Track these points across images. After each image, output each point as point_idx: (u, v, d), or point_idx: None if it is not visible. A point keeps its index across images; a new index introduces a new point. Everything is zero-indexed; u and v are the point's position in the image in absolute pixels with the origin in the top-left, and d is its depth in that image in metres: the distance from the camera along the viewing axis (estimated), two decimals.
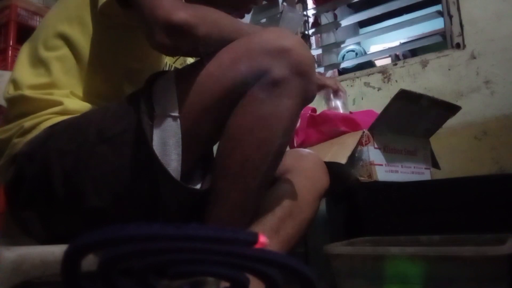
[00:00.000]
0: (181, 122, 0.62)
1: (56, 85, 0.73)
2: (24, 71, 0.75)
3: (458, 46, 1.52)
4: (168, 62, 0.93)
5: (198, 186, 0.66)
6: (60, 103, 0.71)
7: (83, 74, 0.74)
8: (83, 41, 0.74)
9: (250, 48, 0.63)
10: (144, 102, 0.63)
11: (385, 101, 1.01)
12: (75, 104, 0.72)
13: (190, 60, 0.95)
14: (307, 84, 0.63)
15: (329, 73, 2.17)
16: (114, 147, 0.63)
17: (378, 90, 1.66)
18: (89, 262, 0.26)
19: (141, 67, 0.79)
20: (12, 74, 0.76)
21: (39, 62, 0.74)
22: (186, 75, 0.65)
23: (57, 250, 0.42)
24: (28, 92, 0.71)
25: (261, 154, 0.62)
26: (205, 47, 0.64)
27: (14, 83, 0.74)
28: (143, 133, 0.60)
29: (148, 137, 0.61)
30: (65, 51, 0.74)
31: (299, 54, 0.62)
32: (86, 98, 0.74)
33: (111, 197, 0.63)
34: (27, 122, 0.69)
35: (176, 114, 0.62)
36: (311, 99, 0.66)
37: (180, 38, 0.61)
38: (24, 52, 0.78)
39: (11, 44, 2.05)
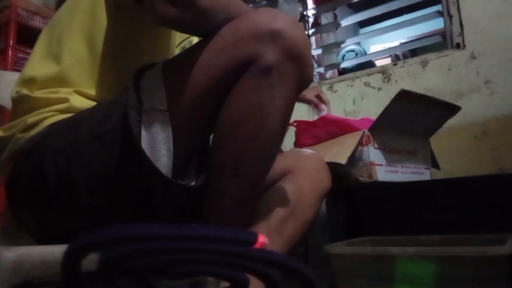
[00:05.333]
0: (170, 116, 0.60)
1: (65, 78, 0.72)
2: (35, 66, 0.75)
3: (458, 46, 1.52)
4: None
5: (194, 182, 0.64)
6: (65, 100, 0.70)
7: (94, 67, 0.74)
8: (96, 34, 0.74)
9: (239, 33, 0.60)
10: (131, 97, 0.60)
11: (385, 101, 1.01)
12: (81, 101, 0.72)
13: None
14: (301, 68, 0.60)
15: (329, 73, 2.17)
16: (104, 145, 0.62)
17: (378, 90, 1.66)
18: (89, 262, 0.26)
19: (151, 60, 0.78)
20: (23, 71, 0.76)
21: (50, 56, 0.74)
22: (174, 66, 0.63)
23: (57, 250, 0.42)
24: (35, 91, 0.71)
25: (257, 145, 0.60)
26: (209, 21, 0.61)
27: (24, 78, 0.74)
28: (130, 129, 0.58)
29: (135, 133, 0.58)
30: (77, 45, 0.74)
31: (292, 36, 0.59)
32: (95, 92, 0.74)
33: (103, 195, 0.62)
34: (31, 118, 0.69)
35: (164, 108, 0.60)
36: (307, 84, 0.63)
37: (183, 9, 0.58)
38: (37, 49, 0.78)
39: (11, 44, 2.06)
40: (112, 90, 0.74)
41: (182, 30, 0.73)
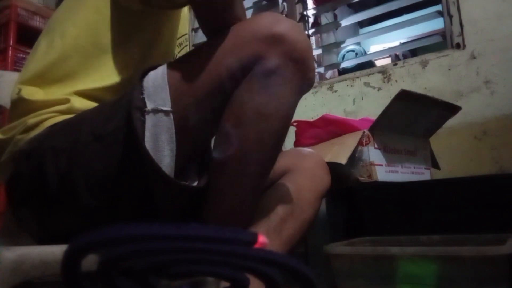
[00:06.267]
0: (174, 117, 0.61)
1: (71, 74, 0.72)
2: (38, 62, 0.74)
3: (458, 46, 1.52)
4: (177, 53, 0.92)
5: (196, 183, 0.65)
6: (66, 101, 0.70)
7: (99, 62, 0.74)
8: (100, 29, 0.74)
9: (242, 36, 0.61)
10: (135, 97, 0.61)
11: (385, 101, 1.01)
12: (81, 103, 0.72)
13: None
14: (303, 70, 0.61)
15: (329, 73, 2.17)
16: (107, 145, 0.62)
17: (378, 90, 1.66)
18: (89, 262, 0.26)
19: (154, 55, 0.78)
20: (26, 69, 0.76)
21: (55, 52, 0.74)
22: (178, 68, 0.64)
23: (57, 250, 0.42)
24: (44, 87, 0.72)
25: (259, 147, 0.61)
26: (218, 15, 0.63)
27: (28, 76, 0.74)
28: (134, 130, 0.59)
29: (139, 134, 0.59)
30: (81, 40, 0.74)
31: (293, 40, 0.60)
32: (99, 85, 0.74)
33: (104, 195, 0.62)
34: (31, 119, 0.69)
35: (168, 108, 0.60)
36: (309, 87, 0.64)
37: None
38: (40, 48, 0.77)
39: (11, 44, 2.06)
40: (117, 83, 0.74)
41: (201, 14, 0.68)
